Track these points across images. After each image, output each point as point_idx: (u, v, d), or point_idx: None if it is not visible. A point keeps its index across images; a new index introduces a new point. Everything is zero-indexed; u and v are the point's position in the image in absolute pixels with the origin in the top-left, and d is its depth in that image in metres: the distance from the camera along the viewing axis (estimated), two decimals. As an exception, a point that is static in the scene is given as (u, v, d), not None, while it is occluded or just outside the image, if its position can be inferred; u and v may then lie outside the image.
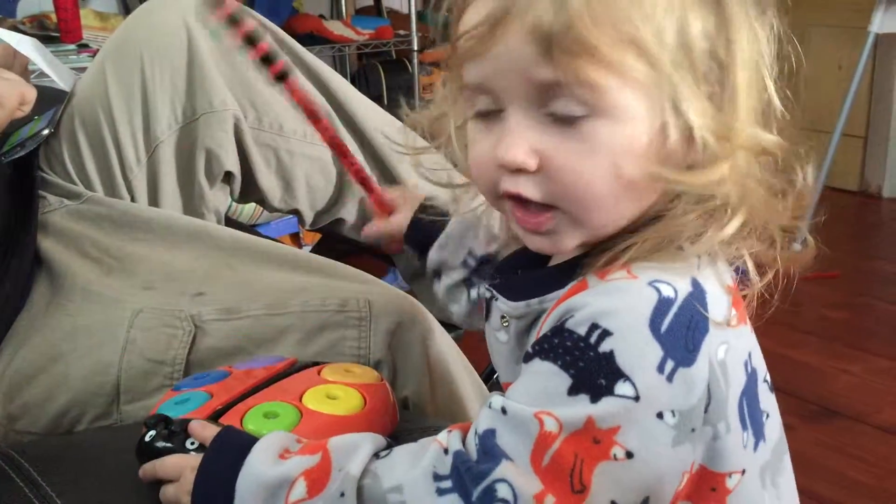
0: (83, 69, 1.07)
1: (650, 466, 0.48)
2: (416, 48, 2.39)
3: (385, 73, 2.59)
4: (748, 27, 0.51)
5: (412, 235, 0.79)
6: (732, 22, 0.50)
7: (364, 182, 0.84)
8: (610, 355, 0.47)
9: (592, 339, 0.47)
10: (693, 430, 0.49)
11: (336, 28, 2.40)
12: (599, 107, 0.49)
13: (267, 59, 0.76)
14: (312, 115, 0.81)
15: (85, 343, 0.82)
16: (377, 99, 2.04)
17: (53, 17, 1.82)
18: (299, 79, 0.84)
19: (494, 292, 0.58)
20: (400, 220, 0.80)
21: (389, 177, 1.06)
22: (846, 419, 1.58)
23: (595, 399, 0.47)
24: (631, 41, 0.48)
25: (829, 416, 1.59)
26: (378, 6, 2.82)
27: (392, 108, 1.18)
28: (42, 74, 1.03)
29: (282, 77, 0.76)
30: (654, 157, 0.50)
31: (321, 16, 2.56)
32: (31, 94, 0.91)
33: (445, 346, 0.88)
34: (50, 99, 0.98)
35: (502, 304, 0.57)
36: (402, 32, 2.49)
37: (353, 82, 1.11)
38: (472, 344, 0.91)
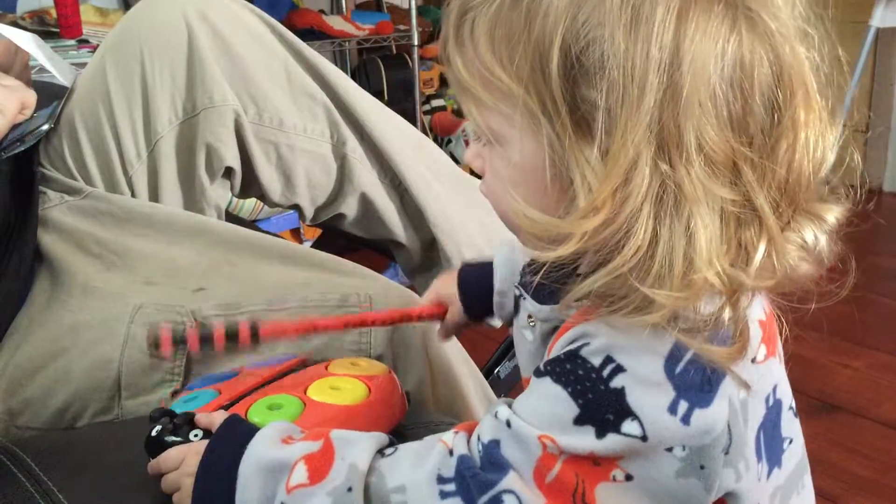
0: (83, 65, 1.07)
1: (650, 491, 0.48)
2: (416, 43, 2.39)
3: (385, 68, 2.59)
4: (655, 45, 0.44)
5: (472, 311, 0.76)
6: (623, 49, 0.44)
7: (414, 314, 0.80)
8: (621, 392, 0.46)
9: (605, 373, 0.46)
10: (702, 467, 0.47)
11: (336, 23, 2.40)
12: (485, 135, 0.51)
13: (232, 336, 0.70)
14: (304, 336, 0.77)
15: (86, 338, 0.82)
16: (377, 94, 2.05)
17: (53, 12, 1.82)
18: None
19: (523, 291, 0.58)
20: (457, 309, 0.77)
21: (389, 171, 1.06)
22: (847, 414, 1.58)
23: (600, 434, 0.46)
24: (490, 81, 0.48)
25: (830, 410, 1.58)
26: (378, 1, 2.82)
27: (392, 104, 1.19)
28: (42, 70, 1.03)
29: (255, 331, 0.70)
30: (537, 193, 0.48)
31: (321, 11, 2.56)
32: (32, 99, 0.91)
33: (446, 341, 0.88)
34: (50, 94, 0.98)
35: (529, 305, 0.56)
36: (402, 27, 2.49)
37: (353, 77, 1.10)
38: (472, 340, 0.91)
